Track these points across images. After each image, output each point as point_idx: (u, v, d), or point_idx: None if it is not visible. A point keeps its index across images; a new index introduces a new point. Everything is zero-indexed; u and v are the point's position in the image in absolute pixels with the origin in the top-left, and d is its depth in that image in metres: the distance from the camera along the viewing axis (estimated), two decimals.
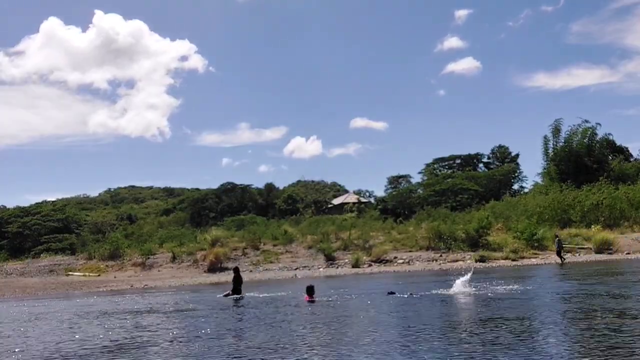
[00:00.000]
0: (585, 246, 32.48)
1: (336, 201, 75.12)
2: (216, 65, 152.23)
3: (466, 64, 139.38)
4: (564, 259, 28.70)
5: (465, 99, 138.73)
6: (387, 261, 32.51)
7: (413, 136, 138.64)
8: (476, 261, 30.32)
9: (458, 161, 71.06)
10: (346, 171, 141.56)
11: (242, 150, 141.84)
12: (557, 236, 30.33)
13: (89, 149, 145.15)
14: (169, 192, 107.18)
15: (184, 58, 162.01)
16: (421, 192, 58.52)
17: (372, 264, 32.31)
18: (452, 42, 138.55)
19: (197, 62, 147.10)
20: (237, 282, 18.23)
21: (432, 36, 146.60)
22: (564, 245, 32.74)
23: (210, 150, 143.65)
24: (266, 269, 33.04)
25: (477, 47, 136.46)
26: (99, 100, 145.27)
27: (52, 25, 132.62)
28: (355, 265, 31.86)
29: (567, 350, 7.38)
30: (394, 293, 15.58)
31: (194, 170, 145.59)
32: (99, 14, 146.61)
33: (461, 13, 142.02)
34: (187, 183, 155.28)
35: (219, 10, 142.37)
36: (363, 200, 73.03)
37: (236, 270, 18.69)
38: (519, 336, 8.50)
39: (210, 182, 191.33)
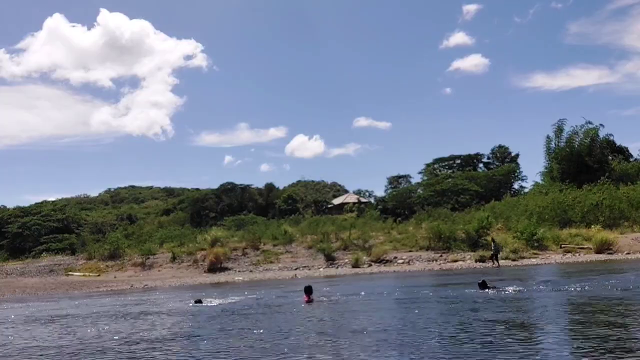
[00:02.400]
0: (585, 246, 32.43)
1: (336, 201, 75.11)
2: (220, 64, 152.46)
3: (472, 61, 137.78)
4: (497, 264, 28.40)
5: (469, 97, 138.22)
6: (387, 261, 32.49)
7: (415, 136, 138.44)
8: (476, 261, 30.30)
9: (458, 161, 70.96)
10: (346, 171, 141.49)
11: (245, 149, 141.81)
12: (493, 240, 30.22)
13: (89, 149, 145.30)
14: (169, 192, 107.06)
15: (188, 57, 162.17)
16: (421, 192, 58.42)
17: (372, 264, 32.30)
18: (458, 38, 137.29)
19: (201, 61, 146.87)
20: None
21: (439, 32, 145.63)
22: (563, 246, 32.77)
23: (213, 149, 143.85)
24: (266, 269, 33.04)
25: (483, 44, 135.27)
26: (99, 100, 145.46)
27: (56, 22, 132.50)
28: (355, 265, 31.85)
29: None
30: (487, 287, 14.94)
31: (197, 169, 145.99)
32: (104, 12, 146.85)
33: (470, 8, 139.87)
34: (188, 183, 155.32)
35: (224, 10, 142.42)
36: (363, 200, 72.99)
37: None
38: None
39: (211, 181, 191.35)
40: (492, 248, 29.10)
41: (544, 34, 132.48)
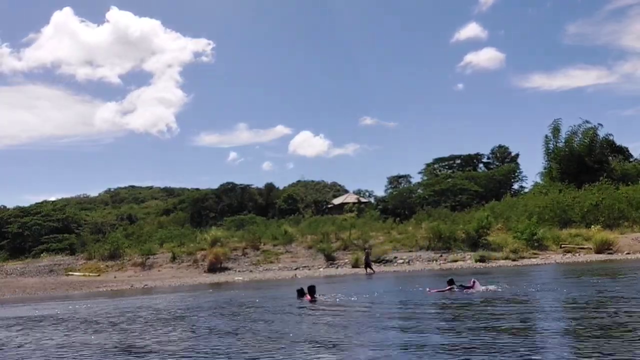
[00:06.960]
0: (585, 246, 32.46)
1: (336, 201, 75.14)
2: (229, 63, 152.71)
3: (485, 55, 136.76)
4: (371, 271, 29.08)
5: (480, 94, 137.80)
6: (387, 261, 32.49)
7: (416, 135, 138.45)
8: (476, 261, 30.30)
9: (458, 161, 71.07)
10: (346, 171, 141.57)
11: (249, 147, 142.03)
12: (366, 248, 31.84)
13: (89, 149, 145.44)
14: (169, 192, 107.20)
15: (198, 55, 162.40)
16: (421, 192, 58.44)
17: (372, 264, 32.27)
18: (470, 30, 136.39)
19: (206, 59, 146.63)
20: None
21: (449, 25, 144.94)
22: (563, 246, 32.82)
23: (217, 149, 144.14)
24: (266, 269, 33.04)
25: (496, 37, 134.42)
26: (99, 99, 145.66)
27: (65, 16, 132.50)
28: (355, 265, 31.84)
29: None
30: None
31: (198, 169, 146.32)
32: (113, 9, 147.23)
33: None
34: (188, 183, 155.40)
35: (234, 9, 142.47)
36: (363, 200, 73.02)
37: None
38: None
39: (212, 181, 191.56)
40: (364, 256, 30.30)
41: (542, 35, 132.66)
